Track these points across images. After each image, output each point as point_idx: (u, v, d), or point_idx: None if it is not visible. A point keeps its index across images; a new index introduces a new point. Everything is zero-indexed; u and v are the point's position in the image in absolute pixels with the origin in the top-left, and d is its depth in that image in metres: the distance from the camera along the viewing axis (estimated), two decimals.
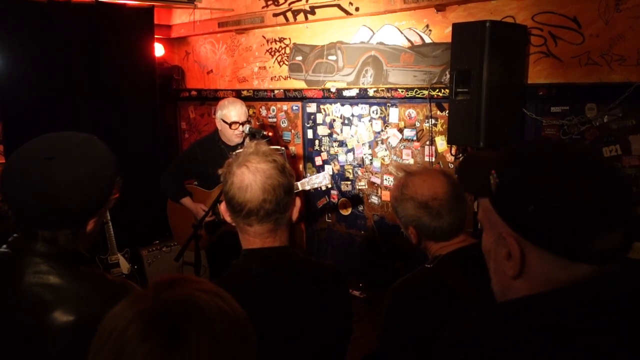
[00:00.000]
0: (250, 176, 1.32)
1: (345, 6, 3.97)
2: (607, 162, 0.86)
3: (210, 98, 5.33)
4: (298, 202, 1.44)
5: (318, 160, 4.58)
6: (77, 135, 1.28)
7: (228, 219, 1.41)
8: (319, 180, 3.54)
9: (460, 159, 3.61)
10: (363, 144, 4.23)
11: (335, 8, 4.04)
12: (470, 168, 1.06)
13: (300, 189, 3.50)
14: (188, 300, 0.71)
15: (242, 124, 3.54)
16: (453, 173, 1.81)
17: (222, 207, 1.41)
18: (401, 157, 3.98)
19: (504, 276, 0.88)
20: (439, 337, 0.90)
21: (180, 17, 5.44)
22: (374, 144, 4.15)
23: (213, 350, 0.68)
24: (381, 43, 3.98)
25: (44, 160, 1.17)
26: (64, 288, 1.18)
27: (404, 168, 1.75)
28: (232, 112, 3.52)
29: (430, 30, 3.69)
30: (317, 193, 4.62)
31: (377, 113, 4.10)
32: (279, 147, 3.69)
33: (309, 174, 4.48)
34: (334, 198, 4.53)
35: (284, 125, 4.81)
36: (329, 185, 4.35)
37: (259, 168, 1.33)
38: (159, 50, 5.25)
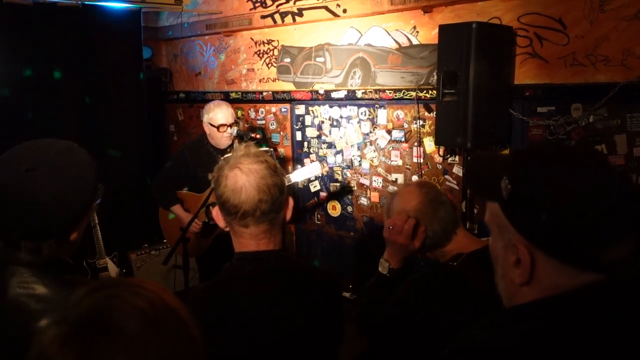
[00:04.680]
0: (244, 177, 1.32)
1: (333, 8, 3.98)
2: (616, 168, 0.86)
3: (199, 100, 5.30)
4: (291, 201, 1.44)
5: (307, 162, 4.57)
6: (56, 143, 1.26)
7: (221, 223, 1.40)
8: (311, 170, 3.47)
9: (453, 159, 3.63)
10: (352, 145, 4.24)
11: (323, 10, 4.04)
12: (479, 171, 1.04)
13: (293, 181, 3.44)
14: (100, 312, 0.71)
15: (230, 125, 3.52)
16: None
17: (215, 212, 1.40)
18: (390, 159, 3.99)
19: (511, 282, 0.87)
20: (449, 331, 0.90)
21: (168, 19, 5.43)
22: (363, 145, 4.16)
23: (131, 358, 0.68)
24: (369, 45, 3.99)
25: (25, 173, 1.15)
26: (51, 298, 1.17)
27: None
28: (218, 114, 3.50)
29: (417, 31, 3.71)
30: (306, 194, 4.62)
31: (365, 114, 4.10)
32: (267, 148, 3.67)
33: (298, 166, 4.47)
34: (322, 199, 4.54)
35: (272, 127, 4.81)
36: (323, 173, 4.34)
37: (251, 169, 1.33)
38: (146, 52, 5.22)
